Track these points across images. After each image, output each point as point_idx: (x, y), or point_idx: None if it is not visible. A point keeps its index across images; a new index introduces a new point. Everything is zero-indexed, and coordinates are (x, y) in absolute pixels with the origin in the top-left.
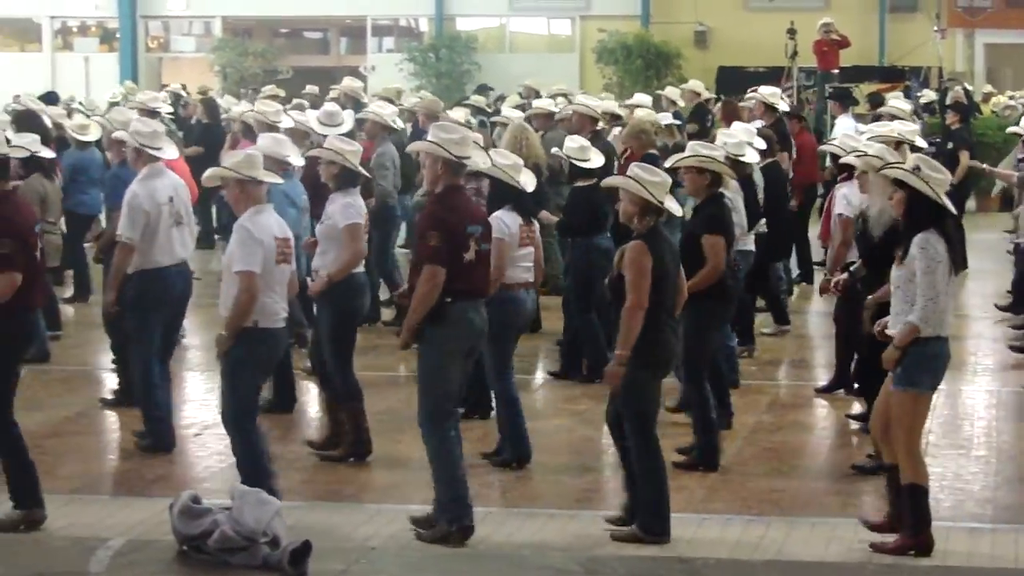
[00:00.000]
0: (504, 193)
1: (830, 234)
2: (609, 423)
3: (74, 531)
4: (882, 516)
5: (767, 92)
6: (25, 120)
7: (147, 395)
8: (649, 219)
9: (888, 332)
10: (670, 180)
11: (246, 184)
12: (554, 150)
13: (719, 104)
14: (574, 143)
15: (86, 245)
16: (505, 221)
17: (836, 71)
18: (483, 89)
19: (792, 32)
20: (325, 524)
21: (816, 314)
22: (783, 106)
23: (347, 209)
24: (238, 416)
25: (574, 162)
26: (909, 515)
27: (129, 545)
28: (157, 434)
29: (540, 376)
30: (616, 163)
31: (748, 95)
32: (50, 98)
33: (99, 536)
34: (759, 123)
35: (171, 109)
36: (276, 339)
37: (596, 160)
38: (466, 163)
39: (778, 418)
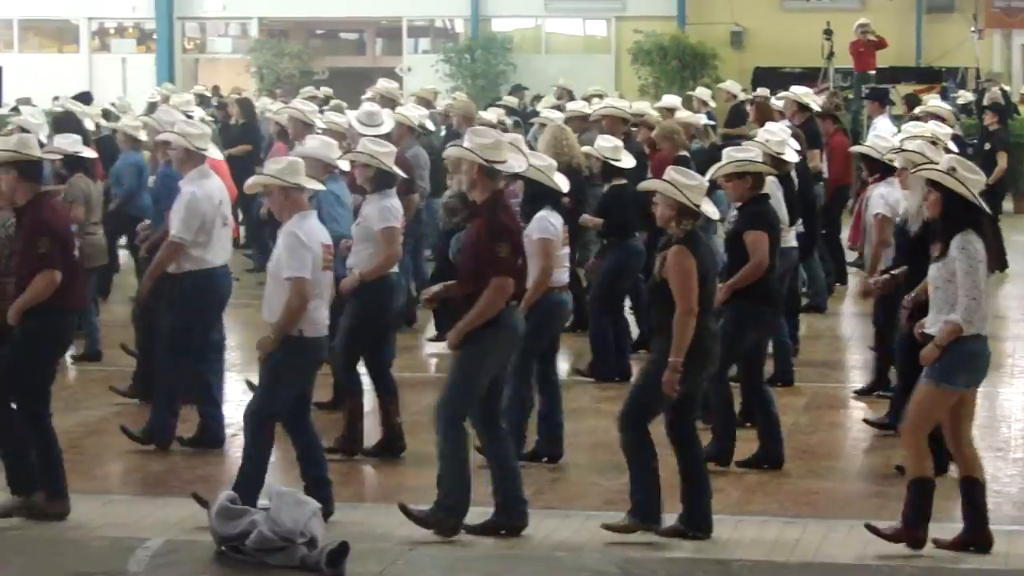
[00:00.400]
0: (543, 194)
1: (860, 236)
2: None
3: (112, 531)
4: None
5: (799, 91)
6: (65, 122)
7: (167, 390)
8: (686, 223)
9: (927, 331)
10: (707, 183)
11: (290, 191)
12: (586, 149)
13: (752, 104)
14: (607, 143)
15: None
16: (550, 220)
17: (872, 72)
18: (517, 89)
19: (828, 33)
20: (361, 525)
21: (849, 315)
22: (815, 106)
23: (384, 212)
24: (261, 416)
25: (609, 161)
26: (910, 509)
27: (167, 545)
28: (163, 431)
29: (574, 376)
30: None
31: (780, 95)
32: (84, 99)
33: (137, 536)
34: (786, 123)
35: (200, 111)
36: (318, 349)
37: (628, 160)
38: (501, 168)
39: (814, 419)
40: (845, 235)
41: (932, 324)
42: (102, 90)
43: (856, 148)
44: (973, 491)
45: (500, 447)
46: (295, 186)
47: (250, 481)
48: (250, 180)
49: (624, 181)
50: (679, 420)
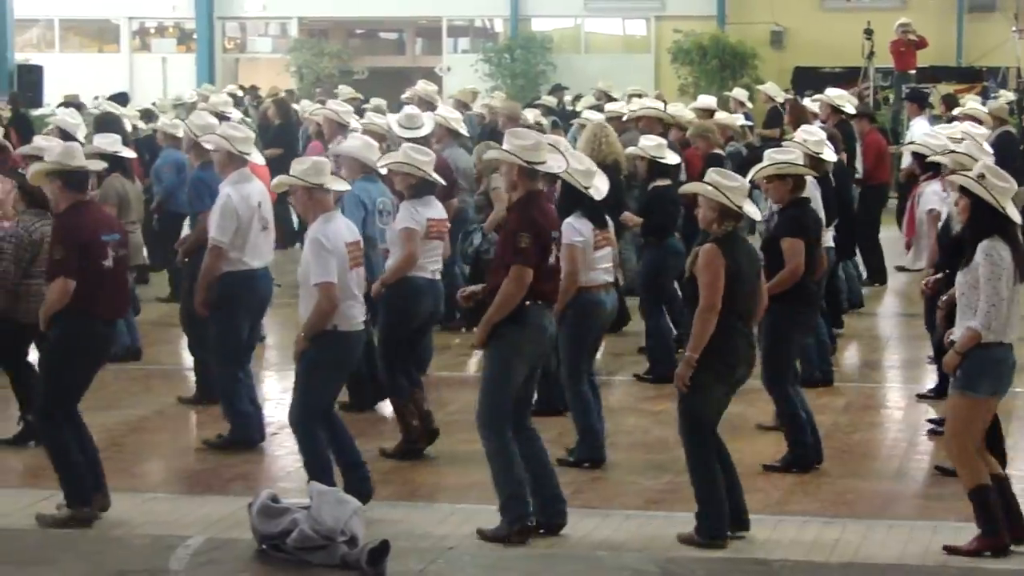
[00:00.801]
0: (576, 198)
1: (916, 233)
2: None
3: (153, 529)
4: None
5: (833, 94)
6: (106, 122)
7: (229, 394)
8: (728, 224)
9: (952, 338)
10: (748, 185)
11: (313, 191)
12: (632, 149)
13: (786, 106)
14: (651, 142)
15: None
16: (576, 227)
17: (913, 72)
18: (557, 89)
19: (869, 32)
20: (401, 523)
21: (887, 316)
22: (849, 108)
23: (406, 213)
24: (303, 417)
25: (655, 159)
26: (981, 518)
27: (209, 543)
28: (242, 430)
29: (618, 376)
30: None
31: (814, 97)
32: (121, 99)
33: (178, 534)
34: (819, 124)
35: (238, 113)
36: (353, 342)
37: (673, 157)
38: (540, 168)
39: (854, 419)
40: (886, 234)
41: (957, 330)
42: (142, 90)
43: (910, 146)
44: (985, 495)
45: (532, 447)
46: (318, 187)
47: (320, 477)
48: (276, 179)
49: (668, 182)
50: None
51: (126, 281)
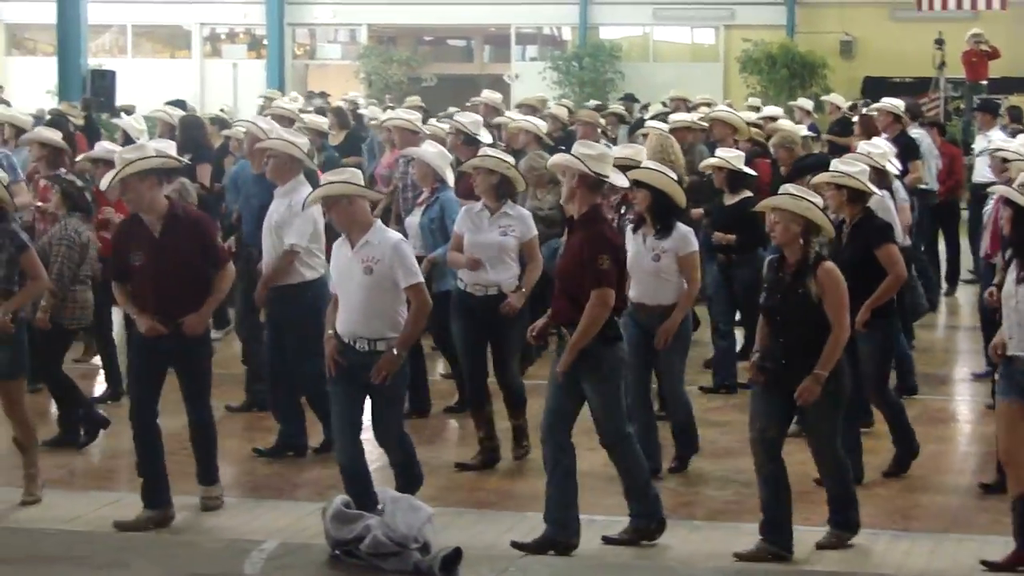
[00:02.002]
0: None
1: (998, 244)
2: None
3: (225, 533)
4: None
5: (892, 103)
6: (185, 126)
7: (323, 405)
8: (816, 240)
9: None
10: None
11: (356, 200)
12: (711, 161)
13: (857, 117)
14: (730, 153)
15: None
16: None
17: (984, 82)
18: (629, 99)
19: (940, 42)
20: (470, 531)
21: (953, 328)
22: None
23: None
24: (402, 428)
25: (735, 171)
26: (1016, 529)
27: (283, 548)
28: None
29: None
30: None
31: (871, 106)
32: (180, 107)
33: (252, 538)
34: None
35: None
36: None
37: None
38: (605, 181)
39: (924, 431)
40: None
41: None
42: (213, 95)
43: (1001, 153)
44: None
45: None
46: (359, 196)
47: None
48: (313, 194)
49: (750, 194)
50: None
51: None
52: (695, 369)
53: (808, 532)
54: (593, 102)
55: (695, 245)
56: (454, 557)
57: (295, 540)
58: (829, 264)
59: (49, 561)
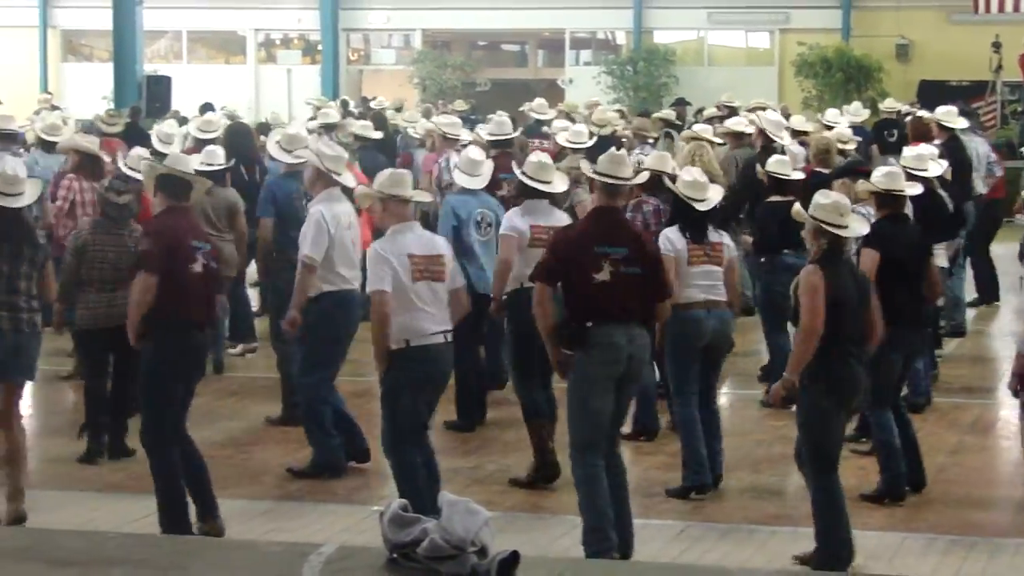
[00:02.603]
0: (680, 210)
1: None
2: (796, 452)
3: (281, 536)
4: None
5: (941, 112)
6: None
7: (314, 418)
8: (822, 241)
9: None
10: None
11: (388, 202)
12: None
13: (908, 120)
14: (774, 158)
15: None
16: (669, 237)
17: None
18: (680, 103)
19: (997, 45)
20: (525, 535)
21: (1001, 336)
22: (961, 123)
23: (505, 220)
24: (395, 441)
25: (776, 176)
26: None
27: (341, 551)
28: (328, 454)
29: (736, 393)
30: None
31: (917, 113)
32: (208, 110)
33: (307, 542)
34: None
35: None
36: (431, 355)
37: (796, 174)
38: (620, 184)
39: (978, 439)
40: (1003, 250)
41: None
42: (267, 101)
43: None
44: None
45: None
46: (393, 197)
47: (412, 495)
48: (357, 190)
49: (780, 197)
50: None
51: (212, 292)
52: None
53: (863, 537)
54: (632, 113)
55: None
56: (511, 560)
57: (353, 543)
58: (808, 266)
59: (109, 564)
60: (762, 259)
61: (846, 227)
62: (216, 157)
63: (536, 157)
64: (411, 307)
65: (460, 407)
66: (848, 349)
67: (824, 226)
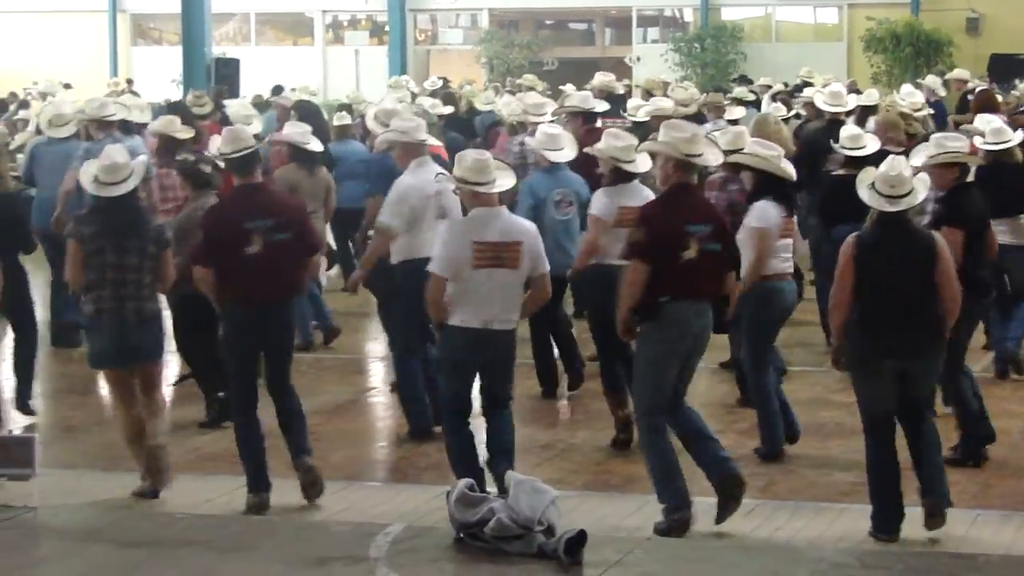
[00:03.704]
0: (766, 183)
1: None
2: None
3: (351, 516)
4: None
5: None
6: (305, 112)
7: (408, 385)
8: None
9: None
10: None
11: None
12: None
13: (976, 93)
14: (847, 132)
15: None
16: (765, 210)
17: None
18: (743, 80)
19: None
20: (595, 514)
21: None
22: None
23: (594, 200)
24: (445, 408)
25: (845, 152)
26: None
27: (408, 531)
28: (419, 419)
29: (807, 367)
30: None
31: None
32: (276, 92)
33: (376, 522)
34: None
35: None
36: (468, 339)
37: (871, 146)
38: (696, 161)
39: None
40: None
41: None
42: (336, 82)
43: None
44: None
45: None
46: (474, 182)
47: (460, 470)
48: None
49: (843, 171)
50: None
51: (278, 266)
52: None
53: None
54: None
55: (754, 221)
56: (578, 540)
57: (420, 523)
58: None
59: (177, 545)
60: (823, 231)
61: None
62: (309, 136)
63: (619, 140)
64: (469, 296)
65: (542, 377)
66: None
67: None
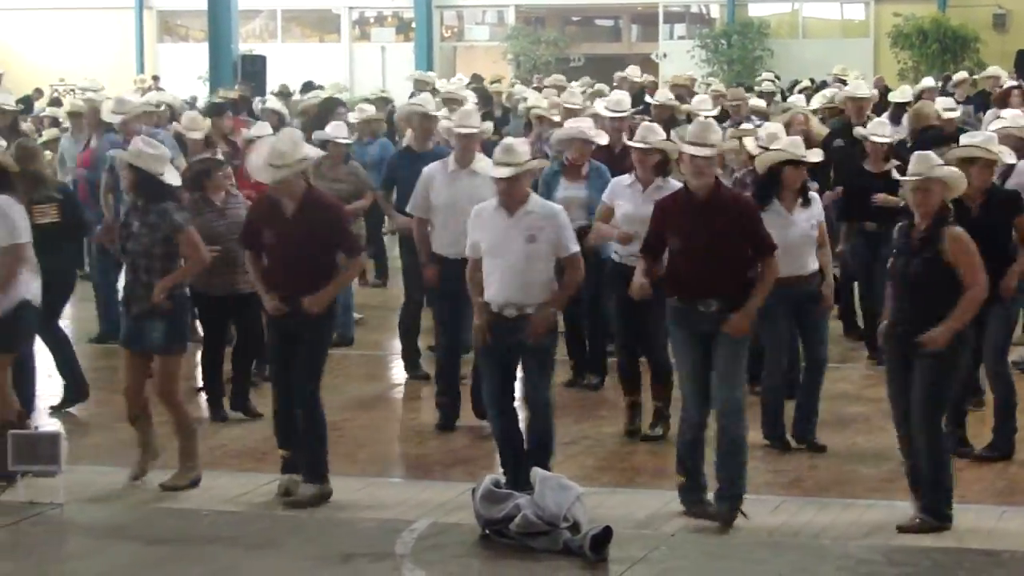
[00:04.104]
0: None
1: None
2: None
3: (378, 513)
4: None
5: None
6: (328, 109)
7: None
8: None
9: None
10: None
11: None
12: (858, 131)
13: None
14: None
15: None
16: None
17: None
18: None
19: None
20: (621, 510)
21: None
22: None
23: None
24: (551, 398)
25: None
26: None
27: (433, 528)
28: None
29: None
30: None
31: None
32: (306, 88)
33: (402, 518)
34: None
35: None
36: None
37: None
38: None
39: None
40: None
41: None
42: (362, 79)
43: None
44: None
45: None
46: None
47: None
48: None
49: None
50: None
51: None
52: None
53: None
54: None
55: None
56: (604, 536)
57: (446, 520)
58: (959, 230)
59: (203, 542)
60: (849, 226)
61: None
62: (344, 130)
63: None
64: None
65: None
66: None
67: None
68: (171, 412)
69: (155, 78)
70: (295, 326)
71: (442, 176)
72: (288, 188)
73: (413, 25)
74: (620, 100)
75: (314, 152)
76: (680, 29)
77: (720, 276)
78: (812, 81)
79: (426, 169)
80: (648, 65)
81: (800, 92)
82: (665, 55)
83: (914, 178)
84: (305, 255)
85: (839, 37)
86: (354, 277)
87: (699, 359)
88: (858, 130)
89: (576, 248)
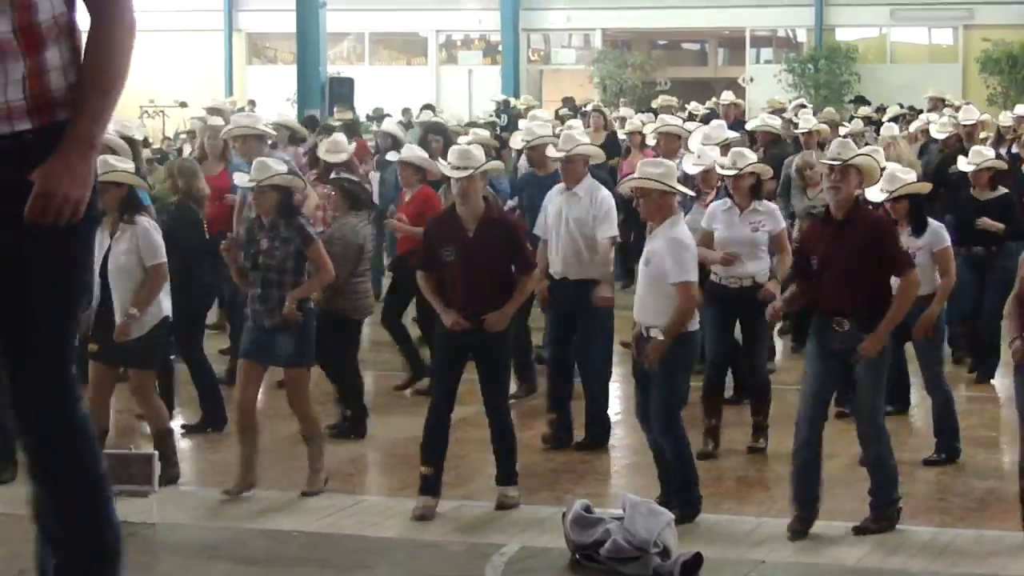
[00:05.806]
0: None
1: None
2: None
3: (466, 536)
4: None
5: None
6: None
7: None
8: None
9: None
10: None
11: (665, 194)
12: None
13: None
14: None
15: None
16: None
17: None
18: (860, 101)
19: None
20: (710, 535)
21: None
22: None
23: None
24: (673, 412)
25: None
26: None
27: (523, 552)
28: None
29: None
30: None
31: None
32: (427, 108)
33: (491, 541)
34: None
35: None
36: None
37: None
38: None
39: None
40: None
41: None
42: (448, 102)
43: None
44: None
45: None
46: (671, 190)
47: (685, 477)
48: (628, 181)
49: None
50: None
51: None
52: None
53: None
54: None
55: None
56: (694, 562)
57: (536, 544)
58: None
59: (294, 563)
60: (993, 248)
61: None
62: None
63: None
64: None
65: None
66: None
67: None
68: (304, 423)
69: (251, 102)
70: (474, 343)
71: (553, 198)
72: (473, 191)
73: (500, 48)
74: (718, 126)
75: (491, 164)
76: (767, 53)
77: (852, 294)
78: (901, 106)
79: (549, 192)
80: (735, 89)
81: (892, 120)
82: (752, 79)
83: None
84: (485, 271)
85: (927, 62)
86: (530, 292)
87: (823, 374)
88: (960, 161)
89: (679, 278)
